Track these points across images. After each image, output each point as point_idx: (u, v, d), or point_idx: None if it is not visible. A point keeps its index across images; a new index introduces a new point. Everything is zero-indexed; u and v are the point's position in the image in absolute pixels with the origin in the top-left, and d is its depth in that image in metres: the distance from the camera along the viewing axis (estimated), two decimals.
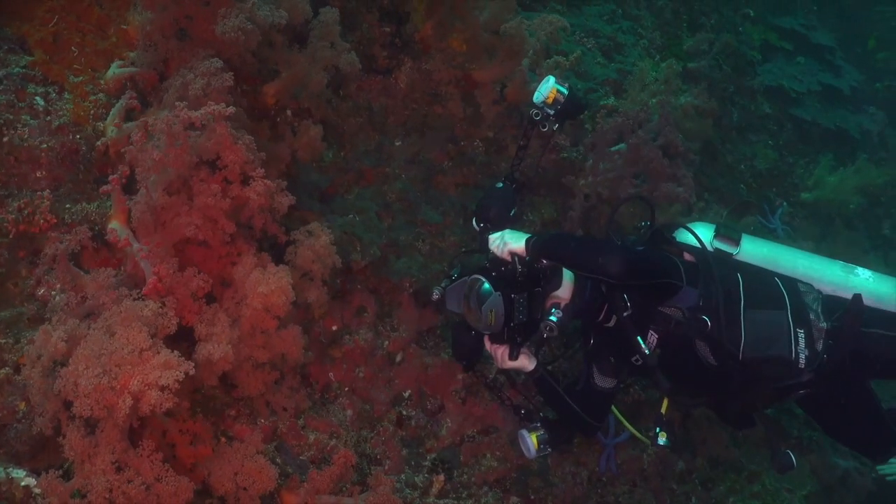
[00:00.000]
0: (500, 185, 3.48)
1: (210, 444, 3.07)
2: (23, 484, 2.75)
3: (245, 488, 2.97)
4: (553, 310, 3.07)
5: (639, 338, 3.02)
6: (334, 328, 4.00)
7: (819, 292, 3.13)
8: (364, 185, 4.49)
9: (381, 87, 4.78)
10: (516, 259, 3.09)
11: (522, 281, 3.09)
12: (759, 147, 7.08)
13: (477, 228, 3.38)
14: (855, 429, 3.21)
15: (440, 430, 4.09)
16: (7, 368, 2.98)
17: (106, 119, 3.53)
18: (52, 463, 2.83)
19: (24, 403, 2.94)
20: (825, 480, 5.22)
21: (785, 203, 6.69)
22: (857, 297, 3.07)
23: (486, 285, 3.07)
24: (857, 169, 6.84)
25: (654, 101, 5.17)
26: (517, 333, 3.16)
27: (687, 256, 3.20)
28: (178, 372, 2.52)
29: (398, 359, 4.13)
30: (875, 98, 8.34)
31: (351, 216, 4.24)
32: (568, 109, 3.40)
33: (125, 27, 3.80)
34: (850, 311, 3.04)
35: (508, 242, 3.11)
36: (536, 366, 3.30)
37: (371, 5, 4.77)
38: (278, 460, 3.44)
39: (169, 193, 3.04)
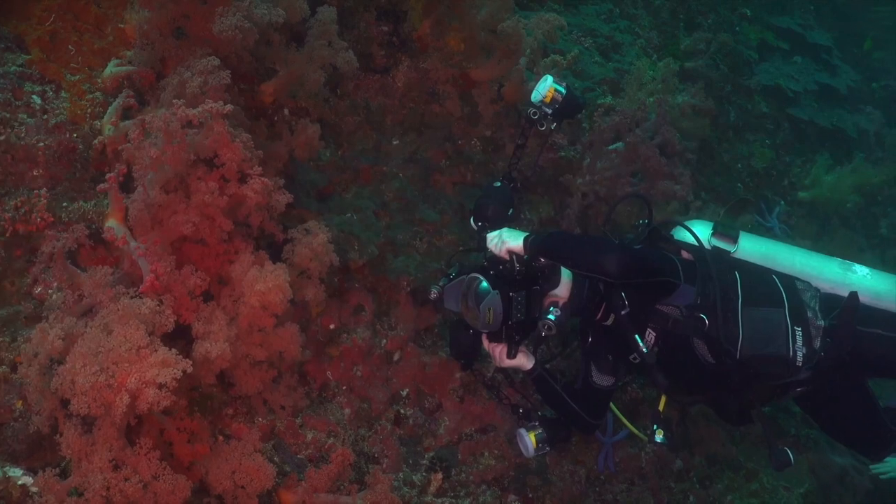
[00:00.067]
0: (498, 184, 3.48)
1: (208, 443, 3.06)
2: (20, 483, 2.74)
3: (243, 487, 2.97)
4: (551, 308, 3.08)
5: (637, 336, 3.03)
6: (332, 327, 3.99)
7: (817, 290, 3.13)
8: (361, 183, 4.48)
9: (379, 86, 4.78)
10: (514, 257, 3.10)
11: (520, 279, 3.10)
12: (756, 146, 7.08)
13: (475, 227, 3.39)
14: (852, 427, 3.22)
15: (438, 429, 4.09)
16: (4, 367, 2.98)
17: (103, 117, 3.53)
18: (50, 461, 2.83)
19: (20, 402, 2.94)
20: (823, 479, 5.23)
21: (782, 202, 6.70)
22: (854, 294, 3.08)
23: (485, 284, 3.07)
24: (853, 168, 6.84)
25: (651, 99, 5.18)
26: (515, 332, 3.17)
27: (684, 254, 3.20)
28: (175, 370, 2.52)
29: (396, 357, 4.13)
30: (872, 97, 8.35)
31: (348, 215, 4.24)
32: (566, 109, 3.41)
33: (122, 26, 3.80)
34: (846, 308, 3.04)
35: (506, 241, 3.11)
36: (535, 364, 3.30)
37: (368, 4, 4.76)
38: (276, 459, 3.44)
39: (166, 191, 3.03)
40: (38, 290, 3.18)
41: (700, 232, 3.25)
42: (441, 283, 3.27)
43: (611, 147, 4.92)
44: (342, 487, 3.38)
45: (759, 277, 3.12)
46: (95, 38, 3.74)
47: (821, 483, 5.21)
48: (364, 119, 4.67)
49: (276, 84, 4.02)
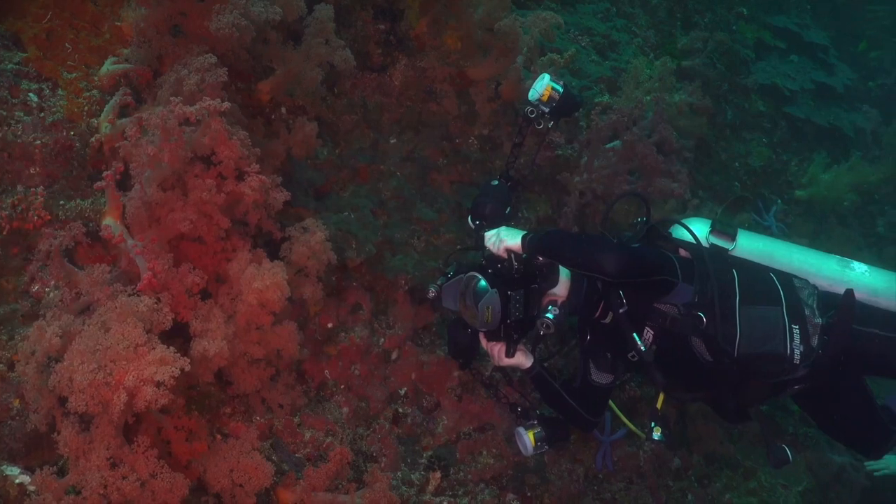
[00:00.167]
0: (496, 182, 3.48)
1: (206, 441, 3.06)
2: (17, 481, 2.74)
3: (241, 485, 2.97)
4: (550, 307, 3.08)
5: (635, 334, 3.03)
6: (330, 325, 3.99)
7: (815, 288, 3.13)
8: (359, 182, 4.48)
9: (376, 85, 4.77)
10: (512, 256, 3.09)
11: (519, 278, 3.10)
12: (754, 145, 7.09)
13: (472, 226, 3.38)
14: (850, 425, 3.21)
15: (436, 428, 4.09)
16: (1, 365, 2.97)
17: (100, 115, 3.51)
18: (47, 460, 2.82)
19: (18, 400, 2.93)
20: (821, 477, 5.23)
21: (779, 200, 6.70)
22: (849, 292, 3.08)
23: (483, 282, 3.07)
24: (850, 166, 6.85)
25: (648, 98, 5.18)
26: (514, 330, 3.17)
27: (682, 252, 3.20)
28: (173, 368, 2.51)
29: (394, 356, 4.12)
30: (868, 96, 8.37)
31: (346, 213, 4.23)
32: (563, 107, 3.41)
33: (119, 24, 3.79)
34: (842, 306, 3.04)
35: (504, 239, 3.11)
36: (533, 363, 3.30)
37: (365, 2, 4.76)
38: (274, 458, 3.43)
39: (163, 189, 3.03)
40: (36, 288, 3.17)
41: (698, 230, 3.25)
42: (439, 282, 3.26)
43: (608, 145, 4.92)
44: (340, 486, 3.37)
45: (757, 275, 3.12)
46: (92, 36, 3.73)
47: (819, 481, 5.22)
48: (361, 117, 4.66)
49: (273, 82, 4.02)
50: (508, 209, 3.39)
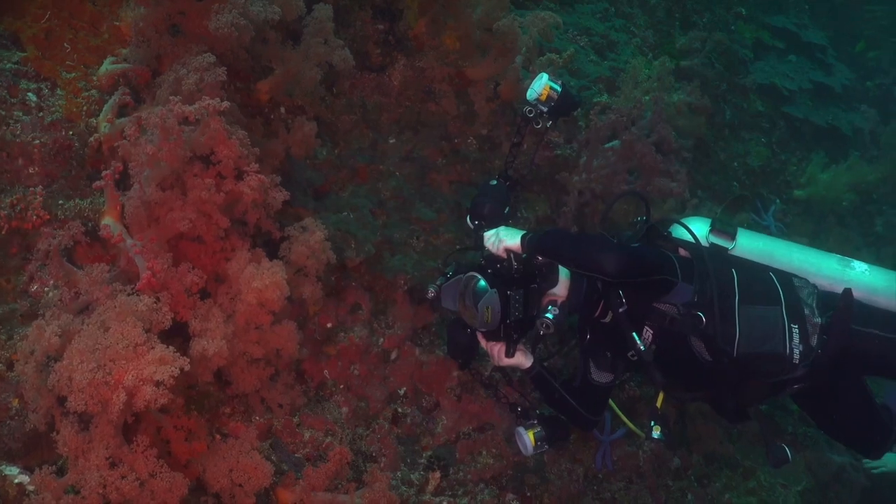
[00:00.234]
0: (494, 182, 3.47)
1: (205, 441, 3.05)
2: (16, 481, 2.74)
3: (240, 485, 2.96)
4: (549, 307, 3.07)
5: (634, 334, 3.02)
6: (329, 325, 3.99)
7: (815, 287, 3.13)
8: (358, 182, 4.47)
9: (375, 85, 4.77)
10: (512, 256, 3.09)
11: (518, 278, 3.09)
12: (752, 144, 7.10)
13: (471, 226, 3.38)
14: (850, 425, 3.21)
15: (436, 428, 4.08)
16: (0, 365, 2.96)
17: (99, 115, 3.52)
18: (46, 459, 2.81)
19: (17, 400, 2.93)
20: (820, 476, 5.23)
21: (778, 200, 6.71)
22: (847, 291, 3.08)
23: (482, 282, 3.06)
24: (849, 166, 6.86)
25: (647, 98, 5.18)
26: (513, 330, 3.16)
27: (682, 252, 3.20)
28: (173, 367, 2.51)
29: (393, 356, 4.12)
30: (867, 96, 8.37)
31: (345, 213, 4.23)
32: (561, 106, 3.41)
33: (118, 23, 3.79)
34: (840, 306, 3.04)
35: (503, 239, 3.11)
36: (533, 362, 3.29)
37: (364, 3, 4.76)
38: (273, 458, 3.43)
39: (162, 188, 3.02)
40: (35, 287, 3.17)
41: (698, 228, 3.25)
42: (438, 283, 3.25)
43: (607, 145, 4.92)
44: (340, 486, 3.37)
45: (757, 275, 3.12)
46: (91, 36, 3.73)
47: (818, 481, 5.22)
48: (360, 117, 4.66)
49: (272, 82, 4.02)
50: (507, 209, 3.38)
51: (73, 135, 3.45)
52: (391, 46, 4.86)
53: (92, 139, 3.46)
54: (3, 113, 3.33)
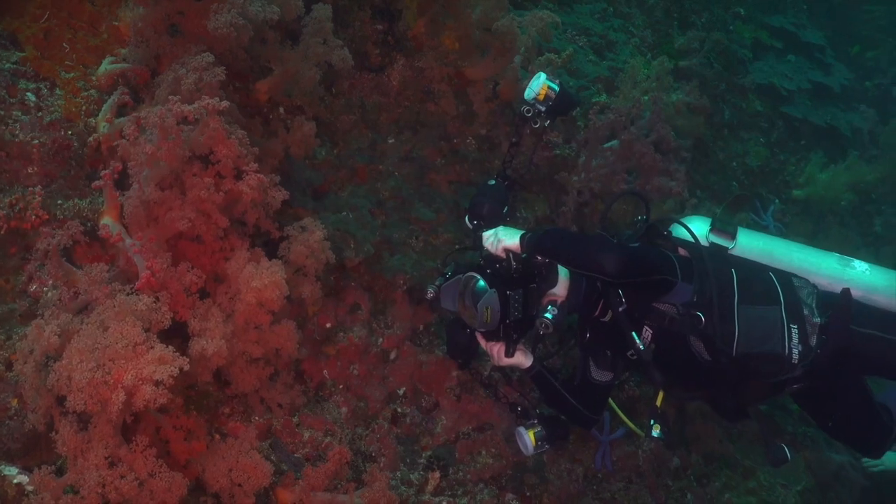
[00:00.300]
0: (492, 182, 3.47)
1: (204, 441, 3.05)
2: (15, 481, 2.73)
3: (240, 485, 2.96)
4: (549, 307, 3.07)
5: (633, 333, 3.02)
6: (328, 325, 3.98)
7: (815, 287, 3.13)
8: (357, 182, 4.47)
9: (374, 85, 4.77)
10: (511, 256, 3.09)
11: (517, 277, 3.09)
12: (751, 144, 7.10)
13: (470, 226, 3.38)
14: (850, 425, 3.21)
15: (435, 428, 4.08)
16: None
17: (98, 115, 3.52)
18: (45, 459, 2.81)
19: (16, 400, 2.92)
20: (820, 476, 5.23)
21: (777, 200, 6.71)
22: (846, 291, 3.08)
23: (481, 282, 3.06)
24: (847, 166, 6.86)
25: (646, 98, 5.18)
26: (513, 330, 3.16)
27: (681, 251, 3.20)
28: (172, 367, 2.50)
29: (392, 356, 4.12)
30: (865, 96, 8.38)
31: (344, 213, 4.23)
32: (559, 105, 3.41)
33: (117, 23, 3.79)
34: (838, 306, 3.04)
35: (502, 239, 3.11)
36: (533, 362, 3.29)
37: (363, 3, 4.76)
38: (273, 458, 3.42)
39: (161, 188, 3.02)
40: (34, 287, 3.16)
41: (699, 228, 3.25)
42: (437, 283, 3.26)
43: (606, 145, 4.92)
44: (339, 486, 3.37)
45: (756, 275, 3.12)
46: (90, 36, 3.73)
47: (818, 480, 5.21)
48: (359, 118, 4.66)
49: (271, 82, 4.01)
50: (506, 208, 3.38)
51: (72, 134, 3.45)
52: (390, 46, 4.86)
53: (91, 139, 3.46)
54: (2, 113, 3.33)
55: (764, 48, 7.93)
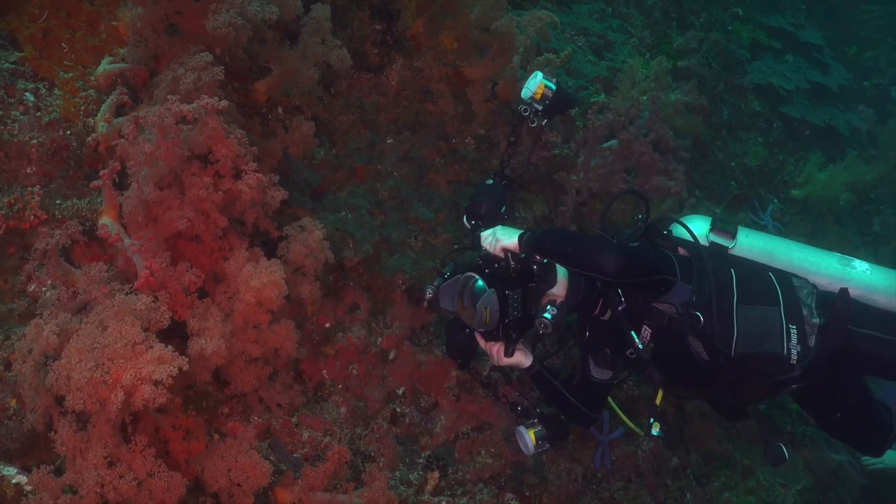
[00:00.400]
0: (490, 181, 3.47)
1: (203, 440, 3.05)
2: (14, 482, 2.73)
3: (239, 484, 2.95)
4: (548, 307, 3.07)
5: (633, 332, 3.02)
6: (327, 325, 3.98)
7: (814, 287, 3.13)
8: (356, 182, 4.47)
9: (373, 85, 4.77)
10: (509, 255, 3.08)
11: (516, 277, 3.09)
12: (750, 144, 7.10)
13: (468, 226, 3.37)
14: (850, 424, 3.21)
15: (434, 427, 4.08)
16: None
17: (96, 115, 3.51)
18: (44, 459, 2.80)
19: (14, 400, 2.92)
20: (819, 475, 5.23)
21: (775, 200, 6.71)
22: (844, 290, 3.08)
23: (480, 282, 3.06)
24: (846, 166, 6.86)
25: (644, 97, 5.18)
26: (512, 330, 3.16)
27: (681, 251, 3.20)
28: (171, 366, 2.50)
29: (392, 356, 4.11)
30: (864, 96, 8.38)
31: (343, 213, 4.23)
32: (556, 105, 3.41)
33: (115, 23, 3.79)
34: (836, 306, 3.04)
35: (501, 239, 3.11)
36: (533, 361, 3.29)
37: (362, 3, 4.76)
38: (272, 457, 3.41)
39: (160, 188, 3.02)
40: (32, 287, 3.16)
41: (699, 227, 3.25)
42: (436, 283, 3.25)
43: (605, 144, 4.92)
44: (339, 486, 3.36)
45: (755, 274, 3.12)
46: (88, 36, 3.73)
47: (817, 480, 5.22)
48: (358, 118, 4.66)
49: (269, 82, 4.01)
50: (504, 208, 3.38)
51: (70, 134, 3.44)
52: (389, 46, 4.86)
53: (90, 139, 3.45)
54: (1, 113, 3.33)
55: (762, 48, 7.94)
